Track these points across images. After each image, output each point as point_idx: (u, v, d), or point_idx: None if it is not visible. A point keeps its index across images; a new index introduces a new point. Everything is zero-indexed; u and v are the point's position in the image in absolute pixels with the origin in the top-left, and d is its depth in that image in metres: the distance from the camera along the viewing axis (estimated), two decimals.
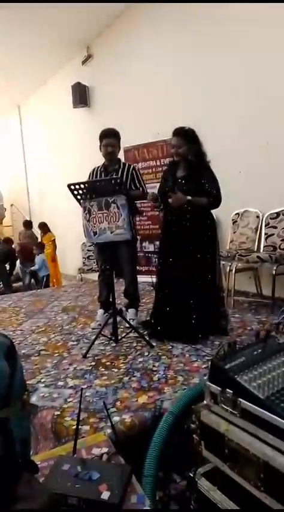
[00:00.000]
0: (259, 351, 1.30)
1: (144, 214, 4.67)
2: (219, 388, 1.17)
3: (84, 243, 5.91)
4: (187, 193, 2.63)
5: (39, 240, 7.98)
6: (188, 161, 2.72)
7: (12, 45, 6.20)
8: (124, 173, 3.06)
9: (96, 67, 6.36)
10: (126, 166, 3.13)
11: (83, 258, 6.16)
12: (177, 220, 2.72)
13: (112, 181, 2.54)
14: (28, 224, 8.59)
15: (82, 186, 2.57)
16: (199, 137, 2.73)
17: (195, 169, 2.71)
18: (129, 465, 1.18)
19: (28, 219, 9.10)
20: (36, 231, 8.34)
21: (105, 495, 1.02)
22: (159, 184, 3.03)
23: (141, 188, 3.10)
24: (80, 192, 2.58)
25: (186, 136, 2.69)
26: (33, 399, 1.97)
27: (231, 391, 1.12)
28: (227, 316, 2.93)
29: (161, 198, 2.79)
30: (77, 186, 2.56)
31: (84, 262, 6.13)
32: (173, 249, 2.74)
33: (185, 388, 1.94)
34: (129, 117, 5.21)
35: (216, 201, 2.70)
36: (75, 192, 2.58)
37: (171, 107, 4.61)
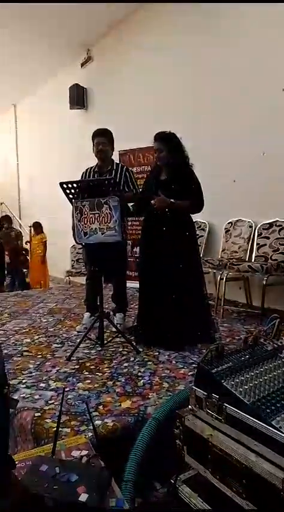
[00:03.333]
0: (247, 356, 1.29)
1: (136, 218, 4.64)
2: (205, 393, 1.15)
3: (73, 245, 5.86)
4: (170, 196, 2.62)
5: (29, 239, 7.86)
6: (170, 165, 2.71)
7: (12, 43, 6.18)
8: (118, 174, 3.03)
9: (95, 70, 6.39)
10: (120, 167, 3.11)
11: (72, 260, 6.10)
12: (157, 224, 2.70)
13: (107, 182, 2.52)
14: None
15: (74, 185, 2.53)
16: (181, 140, 2.72)
17: (177, 173, 2.70)
18: (108, 469, 1.15)
19: (11, 216, 8.79)
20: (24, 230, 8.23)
21: (83, 497, 0.99)
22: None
23: (134, 190, 3.08)
24: (72, 191, 2.55)
25: (167, 141, 2.68)
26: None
27: (217, 396, 1.10)
28: (215, 324, 2.91)
29: (144, 201, 2.77)
30: (70, 185, 2.52)
31: (72, 265, 6.06)
32: (153, 253, 2.72)
33: (170, 395, 1.91)
34: (125, 121, 5.23)
35: (199, 205, 2.71)
36: (68, 191, 2.55)
37: (168, 113, 4.63)
